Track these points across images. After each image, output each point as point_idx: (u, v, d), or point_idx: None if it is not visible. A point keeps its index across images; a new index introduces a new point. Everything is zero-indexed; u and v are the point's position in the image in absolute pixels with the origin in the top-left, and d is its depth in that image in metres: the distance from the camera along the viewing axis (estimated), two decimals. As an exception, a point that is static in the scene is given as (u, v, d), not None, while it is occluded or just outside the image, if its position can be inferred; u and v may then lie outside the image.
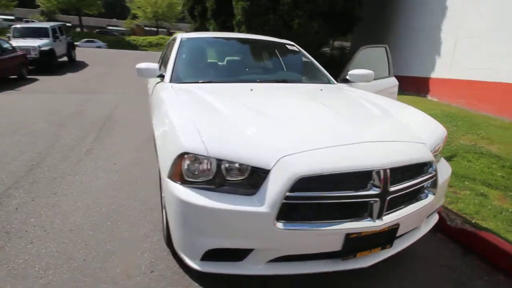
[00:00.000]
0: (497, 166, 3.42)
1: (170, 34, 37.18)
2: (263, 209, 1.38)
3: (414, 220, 1.72)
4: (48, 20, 27.91)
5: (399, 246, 1.71)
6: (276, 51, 3.26)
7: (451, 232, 2.32)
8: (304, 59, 3.19)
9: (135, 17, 38.86)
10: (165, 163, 1.60)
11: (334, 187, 1.43)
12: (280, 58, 3.19)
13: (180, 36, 3.08)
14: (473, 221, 2.38)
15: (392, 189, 1.49)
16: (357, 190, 1.45)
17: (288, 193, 1.36)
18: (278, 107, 2.03)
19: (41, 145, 4.04)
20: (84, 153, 3.84)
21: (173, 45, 3.39)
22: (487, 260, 2.06)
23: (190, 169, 1.48)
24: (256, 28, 8.92)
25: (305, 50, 3.34)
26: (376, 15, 9.44)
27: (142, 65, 2.72)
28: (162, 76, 2.71)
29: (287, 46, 3.31)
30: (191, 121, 1.63)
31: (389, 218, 1.52)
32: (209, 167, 1.45)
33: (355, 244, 1.53)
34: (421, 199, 1.70)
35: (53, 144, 4.12)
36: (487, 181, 3.05)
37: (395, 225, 1.56)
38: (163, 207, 2.16)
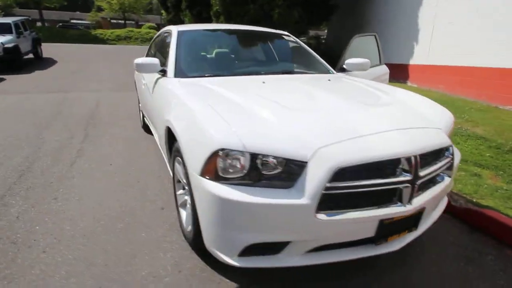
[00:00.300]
0: (484, 147, 3.64)
1: (139, 26, 35.82)
2: (303, 201, 1.40)
3: (434, 202, 1.80)
4: (5, 15, 25.91)
5: (421, 228, 1.80)
6: (275, 42, 3.25)
7: (456, 212, 2.45)
8: (302, 49, 3.20)
9: (100, 9, 37.01)
10: (195, 160, 1.56)
11: (366, 175, 1.47)
12: (281, 49, 3.18)
13: (175, 29, 2.99)
14: (474, 200, 2.53)
15: (421, 174, 1.55)
16: (388, 177, 1.50)
17: (327, 184, 1.39)
18: (297, 98, 2.04)
19: (27, 148, 3.82)
20: (76, 155, 3.67)
21: (165, 38, 3.28)
22: (492, 236, 2.21)
23: (225, 166, 1.46)
24: (235, 18, 8.80)
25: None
26: (352, 3, 9.59)
27: (141, 60, 2.61)
28: (163, 71, 2.62)
29: (284, 36, 3.30)
30: (219, 116, 1.60)
31: (417, 202, 1.59)
32: (244, 162, 1.44)
33: (387, 229, 1.59)
34: (440, 182, 1.79)
35: (39, 147, 3.90)
36: (478, 162, 3.25)
37: (422, 208, 1.63)
38: (180, 205, 2.14)
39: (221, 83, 2.25)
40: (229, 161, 1.45)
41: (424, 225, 1.82)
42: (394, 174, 1.51)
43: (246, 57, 3.01)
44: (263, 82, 2.28)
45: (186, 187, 2.06)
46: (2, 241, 2.11)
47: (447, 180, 1.82)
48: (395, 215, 1.53)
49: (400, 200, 1.55)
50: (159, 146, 3.11)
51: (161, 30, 3.72)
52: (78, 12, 45.00)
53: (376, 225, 1.53)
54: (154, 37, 4.13)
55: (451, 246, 2.14)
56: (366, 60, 3.11)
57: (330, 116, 1.74)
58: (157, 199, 2.69)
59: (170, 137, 2.19)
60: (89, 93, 7.48)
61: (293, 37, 3.38)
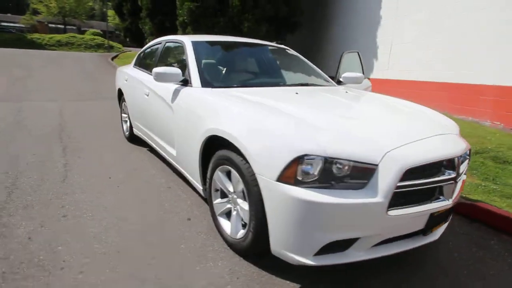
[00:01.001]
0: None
1: (82, 32, 33.54)
2: (377, 199, 1.54)
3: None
4: None
5: (449, 219, 2.07)
6: (282, 55, 3.41)
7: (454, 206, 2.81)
8: (306, 63, 3.41)
9: (36, 12, 33.87)
10: (270, 167, 1.62)
11: (421, 175, 1.68)
12: (290, 62, 3.34)
13: (188, 39, 2.99)
14: (463, 196, 2.93)
15: (460, 172, 1.81)
16: (438, 175, 1.73)
17: (398, 183, 1.56)
18: (340, 108, 2.20)
19: (1, 164, 3.41)
20: (64, 169, 3.38)
21: (173, 48, 3.26)
22: (487, 225, 2.58)
23: (304, 170, 1.55)
24: (204, 29, 8.83)
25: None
26: (315, 22, 10.24)
27: (162, 70, 2.57)
28: (184, 82, 2.61)
29: (287, 50, 3.49)
30: (292, 123, 1.70)
31: (454, 196, 1.84)
32: (322, 166, 1.55)
33: (433, 221, 1.80)
34: (461, 179, 2.08)
35: (15, 161, 3.50)
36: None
37: (456, 202, 1.89)
38: (219, 214, 2.14)
39: (255, 93, 2.33)
40: (308, 166, 1.55)
41: (450, 216, 2.09)
42: (443, 173, 1.74)
43: (262, 69, 3.10)
44: (296, 93, 2.40)
45: (230, 195, 2.09)
46: (25, 265, 1.89)
47: (464, 177, 2.12)
48: (441, 208, 1.76)
49: (442, 194, 1.79)
50: (169, 159, 3.03)
51: (161, 39, 3.64)
52: (9, 15, 40.56)
53: (427, 218, 1.74)
54: (149, 46, 4.01)
55: (461, 235, 2.46)
56: (361, 74, 3.42)
57: (381, 124, 1.92)
58: (178, 210, 2.62)
59: (207, 147, 2.20)
60: (46, 102, 6.86)
61: (293, 51, 3.57)
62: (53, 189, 2.91)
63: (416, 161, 1.59)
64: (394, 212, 1.58)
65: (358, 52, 4.41)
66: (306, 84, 2.87)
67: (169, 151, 2.92)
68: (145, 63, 3.87)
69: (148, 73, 3.45)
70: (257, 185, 1.73)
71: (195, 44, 2.90)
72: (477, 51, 5.66)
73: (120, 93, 4.55)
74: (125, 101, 4.26)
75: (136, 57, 4.28)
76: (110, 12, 28.79)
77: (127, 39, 15.26)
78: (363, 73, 4.44)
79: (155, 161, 3.72)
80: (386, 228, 1.64)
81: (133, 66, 4.17)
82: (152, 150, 3.99)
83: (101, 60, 17.32)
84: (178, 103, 2.57)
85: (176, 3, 9.27)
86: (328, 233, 1.57)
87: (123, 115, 4.64)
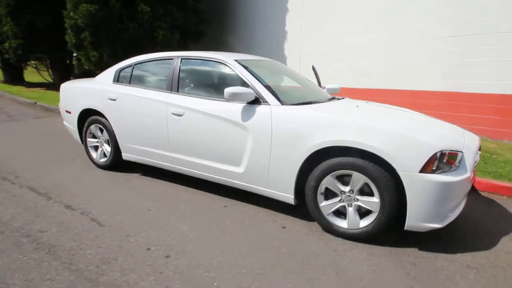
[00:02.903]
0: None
1: None
2: (468, 174, 2.34)
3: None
4: None
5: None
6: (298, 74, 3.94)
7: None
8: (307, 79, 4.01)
9: None
10: (412, 162, 2.17)
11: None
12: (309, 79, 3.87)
13: (230, 57, 3.10)
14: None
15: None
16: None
17: (474, 161, 2.42)
18: (398, 116, 2.86)
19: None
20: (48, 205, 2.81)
21: (198, 65, 3.26)
22: (487, 192, 3.70)
23: (438, 161, 2.19)
24: (106, 35, 7.96)
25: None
26: (223, 31, 10.64)
27: (237, 90, 2.65)
28: (255, 100, 2.75)
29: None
30: (414, 129, 2.35)
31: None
32: (447, 157, 2.23)
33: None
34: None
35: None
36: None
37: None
38: (332, 212, 2.46)
39: (328, 109, 2.79)
40: (440, 158, 2.20)
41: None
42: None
43: (302, 85, 3.48)
44: (357, 106, 2.98)
45: (342, 195, 2.49)
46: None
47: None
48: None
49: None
50: (220, 178, 3.03)
51: (166, 55, 3.42)
52: None
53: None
54: (141, 61, 3.59)
55: (475, 201, 3.45)
56: (338, 85, 4.26)
57: (431, 125, 2.73)
58: (263, 223, 2.74)
59: (313, 156, 2.50)
60: None
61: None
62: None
63: (477, 146, 2.50)
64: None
65: (313, 65, 5.27)
66: (334, 98, 3.46)
67: (226, 169, 2.95)
68: (149, 81, 3.53)
69: (169, 92, 3.25)
70: (390, 179, 2.26)
71: (242, 62, 3.04)
72: (373, 66, 7.23)
73: (88, 115, 3.89)
74: (106, 124, 3.71)
75: (115, 72, 3.76)
76: None
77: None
78: (319, 84, 5.34)
79: (178, 186, 3.49)
80: (466, 193, 2.49)
81: (119, 83, 3.69)
82: (150, 172, 3.69)
83: None
84: (256, 122, 2.69)
85: (66, 3, 7.92)
86: (451, 202, 2.27)
87: (91, 139, 3.98)
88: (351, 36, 7.39)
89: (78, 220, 2.67)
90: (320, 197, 2.56)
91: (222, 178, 3.04)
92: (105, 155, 3.91)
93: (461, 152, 2.33)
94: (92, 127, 3.90)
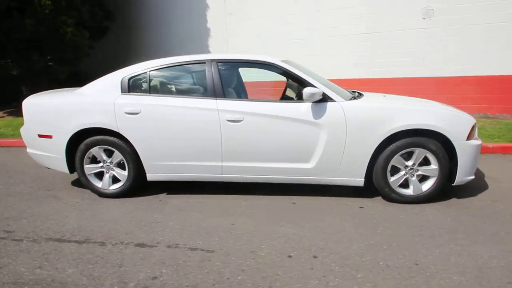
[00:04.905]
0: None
1: None
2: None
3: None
4: None
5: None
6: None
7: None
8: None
9: None
10: (461, 134, 2.89)
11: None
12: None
13: (276, 58, 3.15)
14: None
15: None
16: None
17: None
18: (416, 100, 3.59)
19: None
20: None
21: (260, 67, 3.27)
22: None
23: (474, 131, 3.00)
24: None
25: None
26: (129, 27, 9.43)
27: (313, 90, 2.83)
28: (321, 99, 2.95)
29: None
30: (445, 108, 3.09)
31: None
32: (476, 128, 3.07)
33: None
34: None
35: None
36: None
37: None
38: (400, 185, 3.02)
39: (383, 100, 3.30)
40: (474, 129, 3.01)
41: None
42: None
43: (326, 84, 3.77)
44: (384, 96, 3.54)
45: (406, 169, 3.05)
46: None
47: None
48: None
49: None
50: (287, 177, 3.12)
51: (193, 58, 3.13)
52: None
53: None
54: (159, 66, 3.11)
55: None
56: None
57: (448, 106, 3.57)
58: (342, 209, 3.03)
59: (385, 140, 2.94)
60: None
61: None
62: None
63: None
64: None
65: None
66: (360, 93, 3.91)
67: (294, 167, 3.07)
68: (178, 89, 3.14)
69: (215, 99, 3.02)
70: (444, 149, 2.94)
71: (288, 62, 3.16)
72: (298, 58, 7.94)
73: (84, 136, 3.15)
74: (119, 143, 3.11)
75: (122, 82, 3.11)
76: None
77: None
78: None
79: (225, 196, 3.30)
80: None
81: (133, 94, 3.12)
82: (173, 189, 3.38)
83: None
84: (330, 118, 2.92)
85: None
86: (478, 159, 3.14)
87: (89, 166, 3.24)
88: (279, 30, 7.90)
89: (189, 256, 2.31)
90: (388, 174, 3.05)
91: (289, 177, 3.12)
92: (115, 181, 3.27)
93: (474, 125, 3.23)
94: (94, 149, 3.18)
